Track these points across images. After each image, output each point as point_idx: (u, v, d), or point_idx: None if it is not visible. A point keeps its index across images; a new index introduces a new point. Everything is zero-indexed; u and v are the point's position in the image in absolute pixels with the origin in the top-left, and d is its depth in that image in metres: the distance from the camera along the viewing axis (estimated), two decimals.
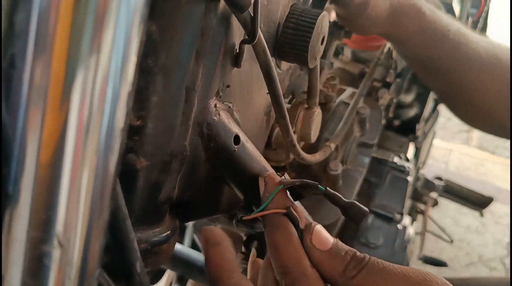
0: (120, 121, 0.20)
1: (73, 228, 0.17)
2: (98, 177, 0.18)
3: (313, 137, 0.55)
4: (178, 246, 0.65)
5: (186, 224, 0.76)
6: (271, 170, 0.42)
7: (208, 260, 0.36)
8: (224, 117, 0.36)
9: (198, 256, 0.64)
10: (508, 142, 0.69)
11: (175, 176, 0.34)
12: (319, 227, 0.33)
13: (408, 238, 0.93)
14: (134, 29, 0.21)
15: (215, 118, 0.35)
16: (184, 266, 0.63)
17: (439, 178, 1.46)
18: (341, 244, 0.33)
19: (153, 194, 0.33)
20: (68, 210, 0.17)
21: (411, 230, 0.96)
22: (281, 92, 0.39)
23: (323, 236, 0.32)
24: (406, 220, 0.96)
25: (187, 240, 0.71)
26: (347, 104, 0.69)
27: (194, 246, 0.73)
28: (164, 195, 0.34)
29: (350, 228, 0.85)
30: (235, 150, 0.37)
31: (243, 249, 0.52)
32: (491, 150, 2.54)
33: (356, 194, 0.77)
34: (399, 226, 0.93)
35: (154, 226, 0.34)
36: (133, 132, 0.31)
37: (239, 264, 0.51)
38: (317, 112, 0.54)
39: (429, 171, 1.89)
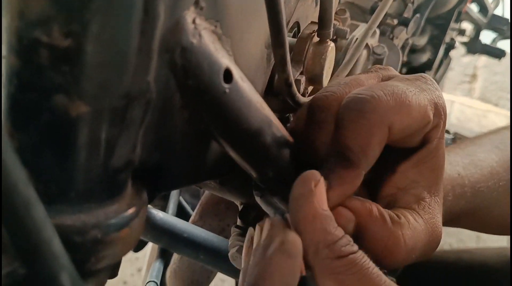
0: None
1: None
2: None
3: (325, 79, 0.43)
4: (160, 214, 0.55)
5: None
6: (276, 122, 0.31)
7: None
8: (208, 40, 0.24)
9: (184, 226, 0.54)
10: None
11: (135, 130, 0.23)
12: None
13: None
14: None
15: (194, 41, 0.23)
16: (167, 238, 0.53)
17: (447, 131, 1.35)
18: None
19: (102, 157, 0.22)
20: None
21: None
22: (283, 7, 0.27)
23: (325, 195, 0.27)
24: None
25: (171, 206, 0.61)
26: None
27: (180, 213, 0.63)
28: (120, 159, 0.23)
29: None
30: (225, 92, 0.25)
31: (238, 222, 0.42)
32: (494, 101, 2.44)
33: None
34: None
35: (108, 203, 0.23)
36: (59, 58, 0.19)
37: (234, 241, 0.40)
38: (331, 47, 0.42)
39: None
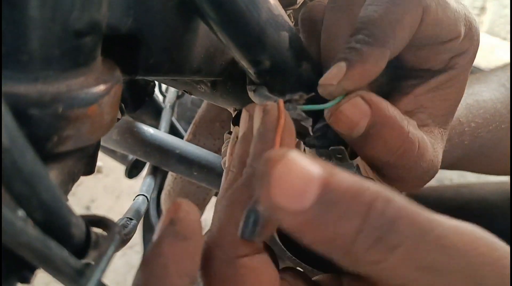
0: None
1: None
2: None
3: None
4: (150, 131, 0.51)
5: (162, 105, 0.61)
6: (273, 0, 0.27)
7: (153, 255, 0.18)
8: None
9: (176, 142, 0.51)
10: None
11: None
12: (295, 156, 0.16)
13: None
14: None
15: None
16: (159, 155, 0.50)
17: None
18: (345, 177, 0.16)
19: (58, 12, 0.18)
20: None
21: None
22: None
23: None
24: None
25: (163, 125, 0.57)
26: None
27: (171, 132, 0.60)
28: (82, 17, 0.19)
29: None
30: None
31: (232, 128, 0.38)
32: (502, 35, 2.35)
33: None
34: None
35: (72, 74, 0.20)
36: None
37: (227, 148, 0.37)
38: None
39: None
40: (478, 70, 1.38)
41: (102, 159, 1.60)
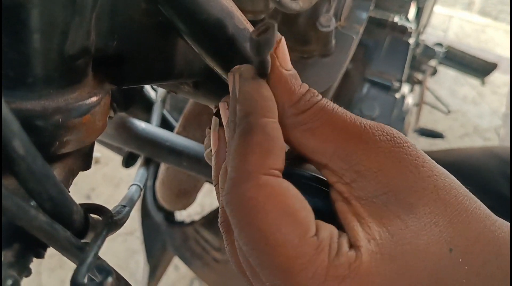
0: None
1: None
2: None
3: None
4: (142, 125, 0.56)
5: (153, 99, 0.66)
6: (239, 15, 0.31)
7: (239, 94, 0.27)
8: None
9: (166, 135, 0.56)
10: None
11: (87, 14, 0.23)
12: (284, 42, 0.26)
13: (407, 109, 0.85)
14: None
15: None
16: (150, 147, 0.55)
17: (440, 44, 1.34)
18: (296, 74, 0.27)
19: (56, 42, 0.22)
20: None
21: (410, 100, 0.87)
22: None
23: (287, 55, 0.27)
24: (405, 88, 0.86)
25: (155, 118, 0.62)
26: None
27: (164, 126, 0.64)
28: (75, 44, 0.23)
29: (342, 99, 0.76)
30: None
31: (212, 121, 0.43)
32: (493, 15, 2.37)
33: (351, 58, 0.66)
34: (397, 95, 0.84)
35: (68, 91, 0.24)
36: None
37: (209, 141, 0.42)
38: None
39: (427, 40, 1.76)
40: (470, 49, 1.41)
41: (100, 150, 1.64)
